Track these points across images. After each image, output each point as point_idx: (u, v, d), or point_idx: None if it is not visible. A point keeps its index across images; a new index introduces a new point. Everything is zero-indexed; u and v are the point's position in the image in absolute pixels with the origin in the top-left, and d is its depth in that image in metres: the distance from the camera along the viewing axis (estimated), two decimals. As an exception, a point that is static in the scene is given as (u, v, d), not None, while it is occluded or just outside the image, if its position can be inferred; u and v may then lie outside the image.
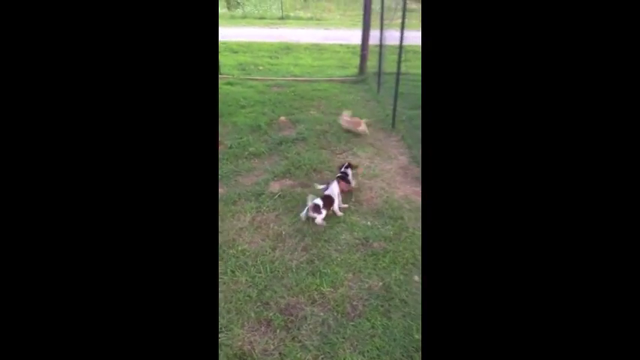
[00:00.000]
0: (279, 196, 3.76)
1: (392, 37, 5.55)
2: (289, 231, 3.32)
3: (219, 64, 7.45)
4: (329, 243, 3.18)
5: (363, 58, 8.12)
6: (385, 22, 6.17)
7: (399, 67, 4.96)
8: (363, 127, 5.15)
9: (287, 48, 10.83)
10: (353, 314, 2.57)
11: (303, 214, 3.42)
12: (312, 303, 2.64)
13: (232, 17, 14.67)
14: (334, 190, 3.51)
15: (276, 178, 4.07)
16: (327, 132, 5.20)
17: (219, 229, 3.29)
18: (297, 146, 4.73)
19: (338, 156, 4.63)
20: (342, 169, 3.83)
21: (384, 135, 5.29)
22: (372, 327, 2.44)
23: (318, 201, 3.34)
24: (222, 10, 15.33)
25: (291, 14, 16.98)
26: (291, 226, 3.38)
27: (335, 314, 2.56)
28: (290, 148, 4.65)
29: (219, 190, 3.85)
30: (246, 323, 2.48)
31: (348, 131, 5.16)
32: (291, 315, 2.55)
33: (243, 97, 6.18)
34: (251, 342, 2.37)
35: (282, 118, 5.55)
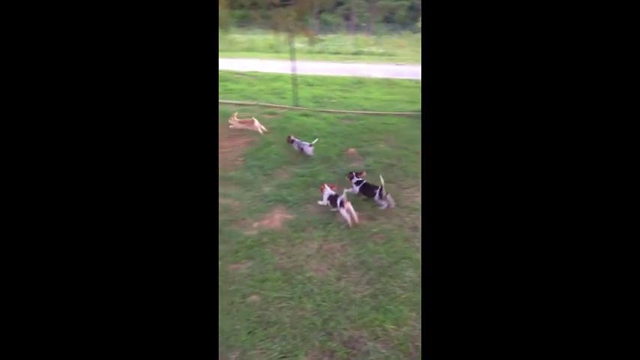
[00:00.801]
0: (346, 226, 3.87)
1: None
2: (354, 262, 3.39)
3: (297, 96, 7.94)
4: (394, 279, 3.20)
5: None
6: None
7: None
8: (256, 124, 5.97)
9: (359, 82, 11.18)
10: (415, 354, 2.54)
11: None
12: (374, 339, 2.66)
13: (309, 52, 15.53)
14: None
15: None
16: (395, 165, 5.27)
17: (289, 254, 3.46)
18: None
19: (405, 190, 4.65)
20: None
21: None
22: (436, 371, 2.40)
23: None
24: (300, 44, 16.39)
25: (365, 49, 17.55)
26: (356, 257, 3.45)
27: (397, 353, 2.55)
28: (358, 181, 4.77)
29: (289, 216, 4.05)
30: (310, 351, 2.57)
31: (242, 130, 6.02)
32: (354, 349, 2.59)
33: (316, 128, 6.50)
34: (314, 370, 2.44)
35: (352, 149, 5.72)
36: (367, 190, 4.34)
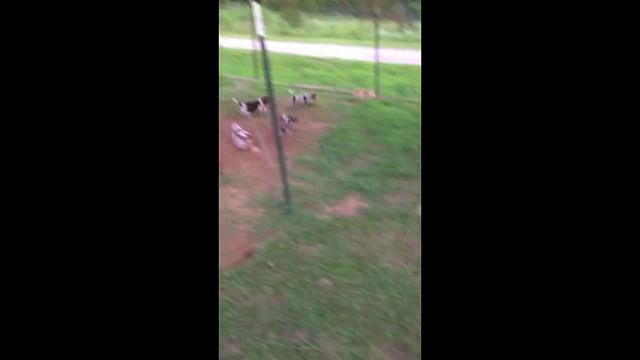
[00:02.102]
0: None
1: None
2: (433, 258, 3.18)
3: (378, 85, 7.70)
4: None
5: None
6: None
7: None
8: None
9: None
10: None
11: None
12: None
13: (394, 39, 15.06)
14: None
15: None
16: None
17: (362, 243, 3.35)
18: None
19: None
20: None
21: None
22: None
23: None
24: (383, 32, 15.91)
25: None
26: (436, 253, 3.23)
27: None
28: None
29: (364, 204, 3.93)
30: (382, 342, 2.45)
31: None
32: (429, 347, 2.42)
33: (398, 118, 6.25)
34: (386, 362, 2.33)
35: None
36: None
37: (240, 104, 6.17)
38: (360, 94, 7.36)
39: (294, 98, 6.64)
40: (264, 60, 3.34)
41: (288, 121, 5.59)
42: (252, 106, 6.20)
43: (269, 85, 3.41)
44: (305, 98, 6.70)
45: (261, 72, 6.67)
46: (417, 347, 2.39)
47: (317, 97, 6.91)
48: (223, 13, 14.91)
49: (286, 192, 3.77)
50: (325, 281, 2.94)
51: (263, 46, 3.24)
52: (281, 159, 3.66)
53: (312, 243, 3.36)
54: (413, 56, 11.30)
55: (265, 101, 6.15)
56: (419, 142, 5.40)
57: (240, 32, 14.26)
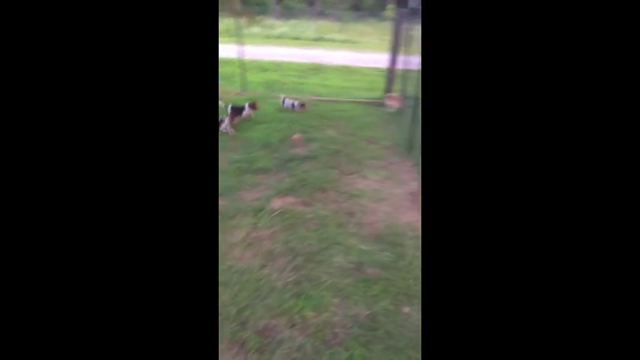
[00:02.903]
0: (279, 213, 3.70)
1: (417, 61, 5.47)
2: (282, 249, 3.23)
3: (246, 81, 7.63)
4: (321, 265, 3.06)
5: (390, 81, 8.06)
6: (411, 46, 6.11)
7: (418, 91, 4.85)
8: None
9: (317, 69, 10.97)
10: (332, 342, 2.42)
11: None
12: (291, 326, 2.52)
13: (267, 37, 15.13)
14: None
15: (279, 195, 4.01)
16: (340, 152, 5.12)
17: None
18: (307, 164, 4.68)
19: (347, 177, 4.53)
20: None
21: (399, 159, 5.14)
22: (349, 357, 2.28)
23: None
24: (256, 29, 15.92)
25: (327, 36, 17.28)
26: (285, 244, 3.29)
27: (313, 340, 2.42)
28: (299, 166, 4.59)
29: (220, 202, 3.84)
30: (220, 342, 2.39)
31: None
32: (268, 337, 2.44)
33: (262, 113, 6.25)
34: (221, 362, 2.27)
35: (297, 135, 5.54)
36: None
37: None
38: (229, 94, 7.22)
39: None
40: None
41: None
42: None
43: None
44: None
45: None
46: (254, 341, 2.39)
47: None
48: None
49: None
50: (165, 288, 2.77)
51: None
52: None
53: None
54: (285, 53, 11.53)
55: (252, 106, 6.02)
56: (279, 136, 5.49)
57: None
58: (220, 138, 5.32)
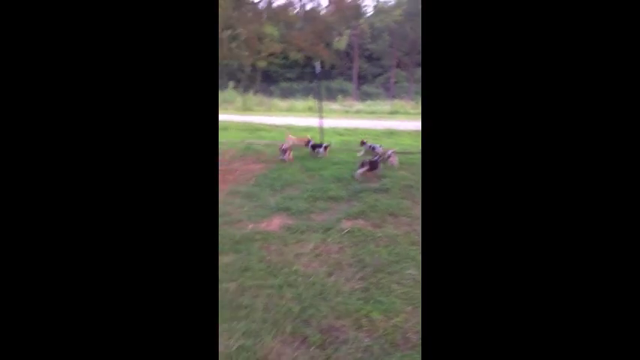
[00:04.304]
0: (348, 232, 3.55)
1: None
2: (350, 261, 3.03)
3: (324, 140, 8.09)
4: (392, 275, 2.80)
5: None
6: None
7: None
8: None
9: (390, 133, 11.18)
10: (404, 346, 2.09)
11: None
12: (357, 328, 2.25)
13: (346, 112, 16.06)
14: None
15: (349, 218, 3.89)
16: (413, 187, 4.93)
17: (279, 252, 3.18)
18: (378, 194, 4.55)
19: (419, 205, 4.28)
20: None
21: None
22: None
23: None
24: (338, 107, 17.17)
25: (400, 110, 17.87)
26: (354, 257, 3.09)
27: (382, 342, 2.12)
28: (370, 196, 4.48)
29: (289, 221, 3.82)
30: (279, 335, 2.20)
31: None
32: (331, 336, 2.19)
33: (338, 159, 6.43)
34: (279, 353, 2.07)
35: (370, 172, 5.50)
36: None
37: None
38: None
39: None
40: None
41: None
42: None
43: None
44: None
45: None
46: (317, 338, 2.16)
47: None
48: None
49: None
50: (229, 285, 2.70)
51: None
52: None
53: (224, 252, 3.15)
54: (362, 123, 12.11)
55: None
56: (352, 173, 5.49)
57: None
58: (296, 172, 5.50)
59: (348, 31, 22.04)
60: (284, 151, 6.45)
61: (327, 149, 6.82)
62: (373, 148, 6.73)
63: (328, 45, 11.34)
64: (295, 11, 9.34)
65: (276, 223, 3.81)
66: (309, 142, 7.11)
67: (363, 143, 7.05)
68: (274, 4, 7.56)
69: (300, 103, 18.78)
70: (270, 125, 11.78)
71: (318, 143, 6.98)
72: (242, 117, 13.82)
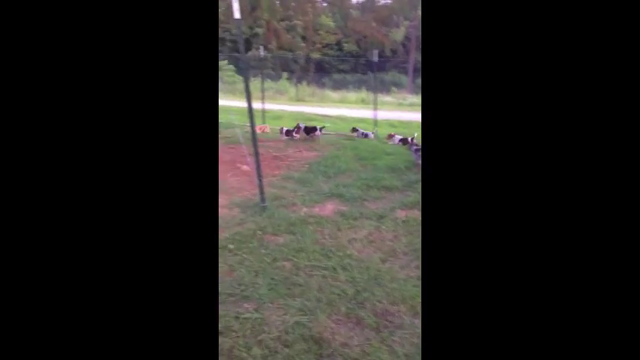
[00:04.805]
0: (404, 221, 3.47)
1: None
2: (405, 250, 2.96)
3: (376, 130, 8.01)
4: (449, 267, 2.69)
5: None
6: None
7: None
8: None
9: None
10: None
11: None
12: (414, 314, 2.20)
13: (399, 105, 15.77)
14: None
15: (403, 207, 3.81)
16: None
17: (333, 236, 3.18)
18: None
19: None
20: None
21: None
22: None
23: None
24: (387, 98, 16.86)
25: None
26: (408, 246, 3.02)
27: (440, 331, 2.05)
28: (426, 187, 4.36)
29: (343, 207, 3.81)
30: (334, 315, 2.20)
31: None
32: (386, 320, 2.16)
33: (391, 148, 6.34)
34: (333, 332, 2.07)
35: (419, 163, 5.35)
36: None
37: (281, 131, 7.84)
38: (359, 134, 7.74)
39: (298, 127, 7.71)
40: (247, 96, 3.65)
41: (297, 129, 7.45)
42: (289, 132, 7.72)
43: (250, 112, 3.63)
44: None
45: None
46: (371, 321, 2.14)
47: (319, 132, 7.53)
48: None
49: (261, 190, 3.72)
50: (285, 263, 2.75)
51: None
52: (257, 155, 3.68)
53: (279, 233, 3.21)
54: (415, 116, 11.85)
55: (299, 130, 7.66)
56: (407, 164, 5.36)
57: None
58: (349, 161, 5.48)
59: (406, 23, 21.54)
60: (287, 133, 7.56)
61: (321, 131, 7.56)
62: (405, 141, 6.92)
63: (386, 35, 11.13)
64: (354, 1, 9.25)
65: (329, 208, 3.82)
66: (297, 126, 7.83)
67: (391, 136, 7.47)
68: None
69: (352, 94, 18.69)
70: (323, 115, 11.83)
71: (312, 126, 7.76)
72: (295, 107, 14.01)
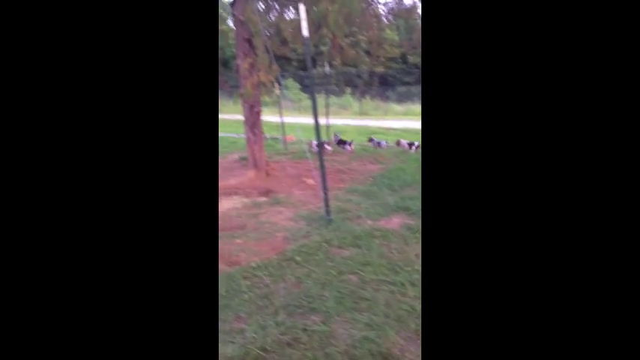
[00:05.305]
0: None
1: None
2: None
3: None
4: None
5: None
6: None
7: None
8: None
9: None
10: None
11: None
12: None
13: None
14: None
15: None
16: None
17: (400, 250, 3.10)
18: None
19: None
20: None
21: None
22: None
23: None
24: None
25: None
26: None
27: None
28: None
29: (409, 221, 3.70)
30: (403, 331, 2.13)
31: None
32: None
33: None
34: (403, 349, 2.00)
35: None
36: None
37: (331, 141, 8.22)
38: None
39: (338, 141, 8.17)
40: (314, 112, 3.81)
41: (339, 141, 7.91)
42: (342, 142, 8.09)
43: (317, 128, 3.76)
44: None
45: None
46: (444, 340, 2.03)
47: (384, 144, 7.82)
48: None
49: (326, 203, 3.75)
50: (351, 277, 2.73)
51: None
52: (322, 169, 3.73)
53: (345, 246, 3.20)
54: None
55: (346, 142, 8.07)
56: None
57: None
58: (414, 173, 5.34)
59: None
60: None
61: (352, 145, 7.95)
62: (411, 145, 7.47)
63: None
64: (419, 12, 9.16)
65: (395, 221, 3.74)
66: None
67: (408, 144, 7.79)
68: (397, 8, 7.52)
69: (417, 106, 18.30)
70: (387, 128, 11.72)
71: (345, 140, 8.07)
72: (359, 121, 14.07)
